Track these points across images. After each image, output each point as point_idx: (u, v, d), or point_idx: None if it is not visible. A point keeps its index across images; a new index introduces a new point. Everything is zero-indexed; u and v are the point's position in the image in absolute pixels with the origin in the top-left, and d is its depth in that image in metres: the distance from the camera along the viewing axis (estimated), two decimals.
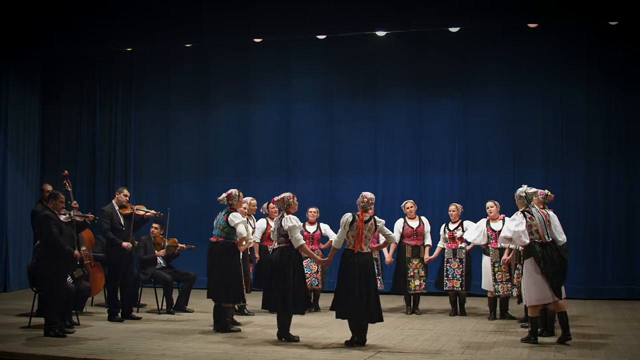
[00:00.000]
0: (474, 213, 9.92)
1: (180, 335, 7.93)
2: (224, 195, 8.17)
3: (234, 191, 8.19)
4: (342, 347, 7.19)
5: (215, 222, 8.21)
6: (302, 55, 12.46)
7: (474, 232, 9.20)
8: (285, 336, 7.50)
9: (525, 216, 7.44)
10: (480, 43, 11.60)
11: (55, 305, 7.65)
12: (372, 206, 7.54)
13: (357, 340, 7.26)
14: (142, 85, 13.24)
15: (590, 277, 11.06)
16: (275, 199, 7.72)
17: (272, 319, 8.91)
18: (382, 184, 12.09)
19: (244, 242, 8.19)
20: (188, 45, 12.43)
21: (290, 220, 7.48)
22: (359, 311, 7.17)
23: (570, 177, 11.20)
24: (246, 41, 11.96)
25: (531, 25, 10.81)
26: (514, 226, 7.46)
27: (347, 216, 7.36)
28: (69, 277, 8.04)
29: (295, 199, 7.72)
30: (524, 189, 7.61)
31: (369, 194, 7.47)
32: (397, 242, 9.48)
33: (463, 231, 9.44)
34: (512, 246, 8.14)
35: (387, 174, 12.12)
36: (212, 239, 8.15)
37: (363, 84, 12.25)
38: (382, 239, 7.92)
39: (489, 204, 9.21)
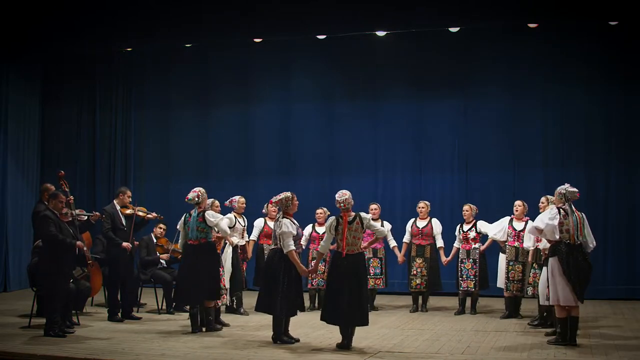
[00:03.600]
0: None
1: (180, 335, 7.93)
2: (193, 194, 8.05)
3: (202, 190, 8.13)
4: (339, 349, 7.17)
5: (185, 225, 8.05)
6: (302, 55, 12.46)
7: (495, 227, 9.22)
8: (279, 339, 7.40)
9: (559, 212, 7.35)
10: (480, 43, 11.60)
11: (56, 304, 7.66)
12: (349, 204, 7.24)
13: (347, 343, 7.13)
14: (142, 85, 13.24)
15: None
16: (274, 199, 7.57)
17: (271, 320, 8.93)
18: (382, 184, 12.09)
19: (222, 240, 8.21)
20: (188, 45, 12.43)
21: (282, 226, 7.30)
22: (344, 317, 7.07)
23: (570, 177, 11.12)
24: (246, 41, 11.95)
25: (531, 25, 10.81)
26: (547, 219, 7.30)
27: (331, 220, 7.23)
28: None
29: (295, 198, 7.56)
30: (565, 187, 7.48)
31: (340, 195, 7.24)
32: (386, 235, 9.40)
33: (477, 232, 9.45)
34: (540, 245, 8.09)
35: (387, 174, 12.12)
36: (191, 242, 8.01)
37: (363, 84, 12.24)
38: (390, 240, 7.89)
39: (518, 202, 9.20)
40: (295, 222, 7.51)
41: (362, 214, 7.36)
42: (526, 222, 9.03)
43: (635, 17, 9.94)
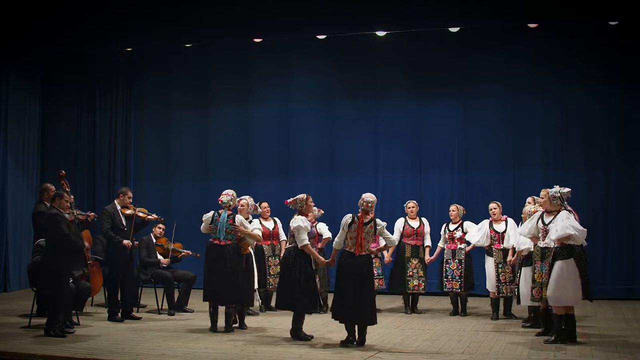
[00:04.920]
0: (474, 213, 9.92)
1: (180, 335, 7.94)
2: (228, 198, 8.20)
3: (234, 193, 8.31)
4: (342, 347, 7.19)
5: (213, 223, 8.16)
6: (302, 55, 12.46)
7: (476, 233, 9.16)
8: (297, 335, 7.50)
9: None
10: (480, 43, 11.59)
11: (60, 304, 7.67)
12: (372, 209, 7.42)
13: (357, 341, 7.26)
14: (142, 85, 13.24)
15: (590, 277, 11.01)
16: (289, 200, 7.71)
17: (272, 319, 8.94)
18: (382, 184, 12.08)
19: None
20: (188, 45, 12.42)
21: (297, 221, 7.49)
22: (352, 313, 7.19)
23: (570, 177, 11.17)
24: (246, 41, 11.95)
25: (531, 25, 10.81)
26: (576, 224, 7.29)
27: (347, 217, 7.36)
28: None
29: (310, 200, 7.69)
30: (558, 189, 7.49)
31: (368, 197, 7.38)
32: (396, 244, 9.50)
33: (463, 232, 9.43)
34: (524, 247, 8.15)
35: (387, 174, 12.12)
36: (218, 242, 8.11)
37: (363, 84, 12.24)
38: (382, 242, 7.96)
39: (492, 205, 9.18)
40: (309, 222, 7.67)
41: (378, 220, 7.48)
42: (506, 221, 9.04)
43: (635, 17, 9.95)
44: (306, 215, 7.64)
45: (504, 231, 8.97)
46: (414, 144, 12.02)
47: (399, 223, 9.77)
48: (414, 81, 12.01)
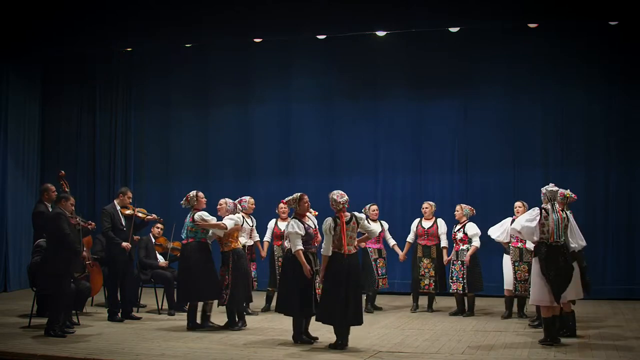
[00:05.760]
0: (474, 213, 9.90)
1: (180, 335, 7.94)
2: (183, 200, 8.51)
3: (191, 193, 8.46)
4: (333, 350, 7.12)
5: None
6: (302, 55, 12.45)
7: (498, 229, 9.17)
8: (299, 339, 7.42)
9: (540, 213, 7.37)
10: (480, 43, 11.58)
11: (60, 304, 7.67)
12: (344, 205, 7.23)
13: (340, 343, 7.13)
14: (142, 85, 13.24)
15: (590, 277, 11.01)
16: (285, 200, 7.68)
17: (272, 320, 8.93)
18: (382, 184, 12.08)
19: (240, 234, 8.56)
20: (188, 45, 12.42)
21: (289, 227, 7.40)
22: (343, 316, 7.07)
23: (570, 177, 11.17)
24: (246, 41, 11.95)
25: (531, 25, 10.81)
26: (524, 220, 7.40)
27: (329, 222, 7.19)
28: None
29: (305, 199, 7.50)
30: (548, 186, 7.54)
31: (339, 197, 7.22)
32: (377, 236, 9.33)
33: (464, 233, 9.43)
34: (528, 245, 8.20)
35: (387, 174, 12.11)
36: (184, 241, 8.41)
37: (363, 84, 12.23)
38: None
39: (518, 203, 9.15)
40: (309, 222, 7.56)
41: (357, 214, 7.41)
42: None
43: (635, 17, 9.95)
44: (303, 216, 7.50)
45: None
46: (414, 144, 12.02)
47: (414, 223, 9.86)
48: (414, 81, 12.01)
